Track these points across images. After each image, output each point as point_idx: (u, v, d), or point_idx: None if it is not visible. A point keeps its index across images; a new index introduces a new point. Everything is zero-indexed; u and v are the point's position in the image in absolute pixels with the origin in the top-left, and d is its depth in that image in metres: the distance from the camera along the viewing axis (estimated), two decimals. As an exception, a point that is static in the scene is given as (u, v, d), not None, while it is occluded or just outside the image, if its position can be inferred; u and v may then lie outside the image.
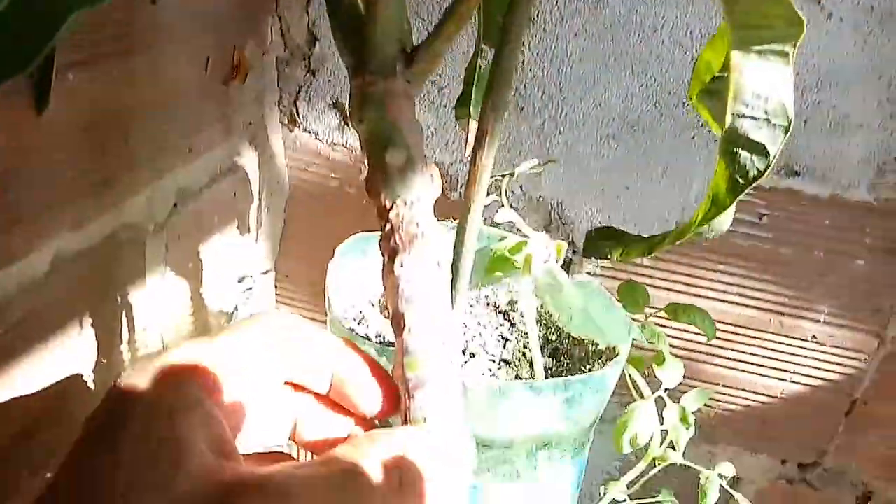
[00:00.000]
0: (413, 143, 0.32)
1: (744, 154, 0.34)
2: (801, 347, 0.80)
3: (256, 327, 0.31)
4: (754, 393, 0.83)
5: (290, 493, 0.24)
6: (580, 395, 0.42)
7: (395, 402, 0.33)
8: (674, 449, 0.69)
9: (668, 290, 0.78)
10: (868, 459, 0.86)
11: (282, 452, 0.33)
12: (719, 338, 0.80)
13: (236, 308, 0.80)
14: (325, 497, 0.25)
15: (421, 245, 0.32)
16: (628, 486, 0.77)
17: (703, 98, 0.35)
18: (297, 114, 0.79)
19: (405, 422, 0.33)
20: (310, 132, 0.80)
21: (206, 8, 0.64)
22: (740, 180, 0.34)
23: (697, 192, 0.73)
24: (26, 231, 0.45)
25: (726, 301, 0.78)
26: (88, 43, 0.47)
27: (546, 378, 0.49)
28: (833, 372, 0.80)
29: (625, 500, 0.77)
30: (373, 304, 0.56)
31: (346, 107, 0.69)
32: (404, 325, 0.33)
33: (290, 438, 0.34)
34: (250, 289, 0.82)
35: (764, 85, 0.31)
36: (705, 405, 0.86)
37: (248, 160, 0.76)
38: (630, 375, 0.67)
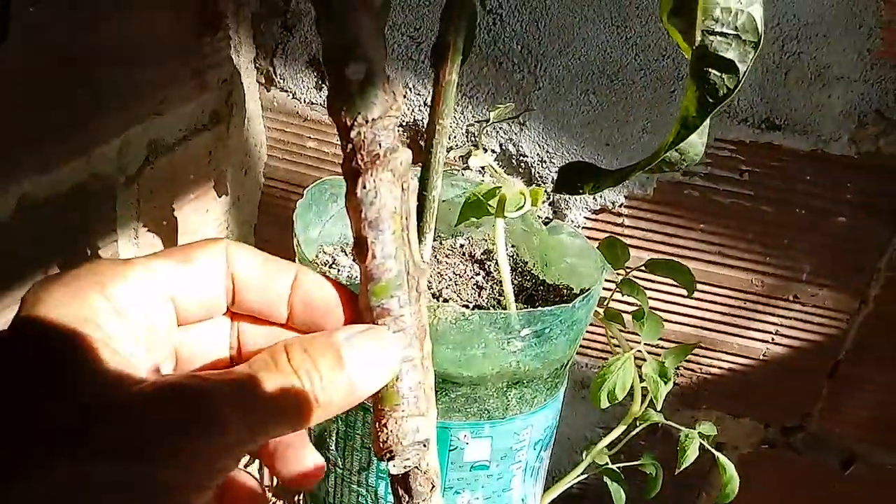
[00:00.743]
0: (374, 57, 0.31)
1: (714, 73, 0.33)
2: (783, 308, 0.79)
3: (201, 251, 0.30)
4: (736, 355, 0.83)
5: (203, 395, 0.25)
6: (549, 329, 0.41)
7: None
8: (654, 409, 0.68)
9: (650, 249, 0.78)
10: (852, 422, 0.86)
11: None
12: (701, 299, 0.80)
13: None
14: (235, 396, 0.26)
15: (384, 165, 0.31)
16: (609, 449, 0.77)
17: (673, 17, 0.34)
18: (274, 72, 0.78)
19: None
20: (287, 91, 0.79)
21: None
22: (710, 99, 0.33)
23: (678, 148, 0.73)
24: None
25: (707, 261, 0.78)
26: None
27: (521, 323, 0.48)
28: (815, 333, 0.80)
29: (606, 463, 0.77)
30: (345, 252, 0.55)
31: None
32: (367, 251, 0.32)
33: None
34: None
35: (733, -2, 0.31)
36: (687, 369, 0.86)
37: (224, 118, 0.75)
38: (611, 332, 0.67)
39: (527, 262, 0.56)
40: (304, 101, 0.79)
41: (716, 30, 0.32)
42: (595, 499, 0.88)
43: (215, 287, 0.31)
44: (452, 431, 0.46)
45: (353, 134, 0.31)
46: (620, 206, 0.76)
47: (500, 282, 0.54)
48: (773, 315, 0.80)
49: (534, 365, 0.43)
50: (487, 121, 0.52)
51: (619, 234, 0.77)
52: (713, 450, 0.71)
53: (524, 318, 0.40)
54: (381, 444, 0.32)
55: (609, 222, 0.78)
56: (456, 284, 0.53)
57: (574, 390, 0.90)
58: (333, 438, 0.48)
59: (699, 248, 0.77)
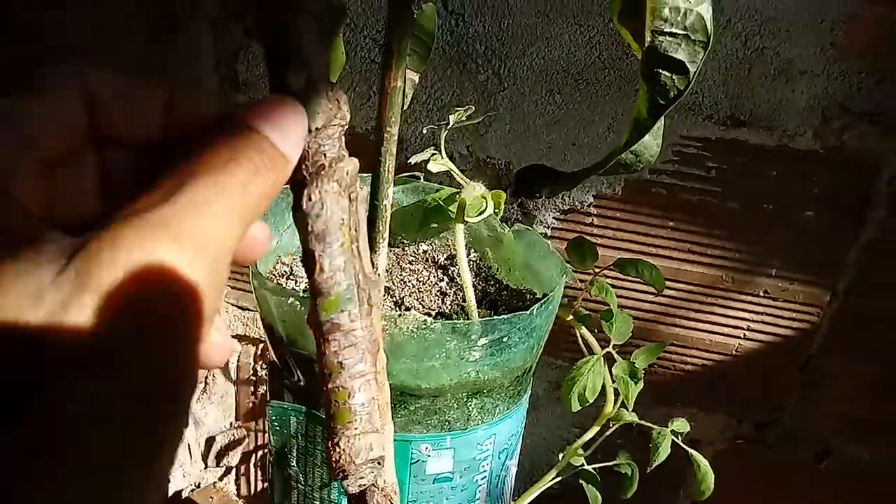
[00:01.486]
0: (315, 63, 0.30)
1: (664, 74, 0.32)
2: (754, 303, 0.79)
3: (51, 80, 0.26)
4: (709, 352, 0.83)
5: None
6: (508, 336, 0.40)
7: None
8: (626, 408, 0.68)
9: (618, 248, 0.78)
10: (825, 416, 0.86)
11: None
12: (671, 297, 0.80)
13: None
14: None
15: (329, 176, 0.30)
16: (584, 449, 0.76)
17: (624, 18, 0.34)
18: (237, 77, 0.77)
19: (322, 368, 0.31)
20: (251, 98, 0.77)
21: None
22: (661, 101, 0.32)
23: (645, 147, 0.72)
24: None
25: (677, 258, 0.78)
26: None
27: (484, 329, 0.47)
28: (787, 328, 0.80)
29: (581, 465, 0.77)
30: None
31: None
32: (315, 264, 0.31)
33: None
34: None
35: (681, -3, 0.30)
36: (660, 366, 0.85)
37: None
38: (581, 334, 0.66)
39: (491, 267, 0.55)
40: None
41: (665, 30, 0.32)
42: (575, 498, 0.87)
43: (70, 113, 0.26)
44: (413, 444, 0.45)
45: (296, 144, 0.31)
46: (589, 205, 0.76)
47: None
48: (743, 311, 0.80)
49: (493, 374, 0.43)
50: (448, 124, 0.51)
51: (588, 234, 0.77)
52: (686, 447, 0.71)
53: (481, 328, 0.40)
54: (335, 464, 0.31)
55: (578, 222, 0.77)
56: (419, 291, 0.52)
57: (549, 391, 0.90)
58: (294, 454, 0.47)
59: (668, 246, 0.77)
